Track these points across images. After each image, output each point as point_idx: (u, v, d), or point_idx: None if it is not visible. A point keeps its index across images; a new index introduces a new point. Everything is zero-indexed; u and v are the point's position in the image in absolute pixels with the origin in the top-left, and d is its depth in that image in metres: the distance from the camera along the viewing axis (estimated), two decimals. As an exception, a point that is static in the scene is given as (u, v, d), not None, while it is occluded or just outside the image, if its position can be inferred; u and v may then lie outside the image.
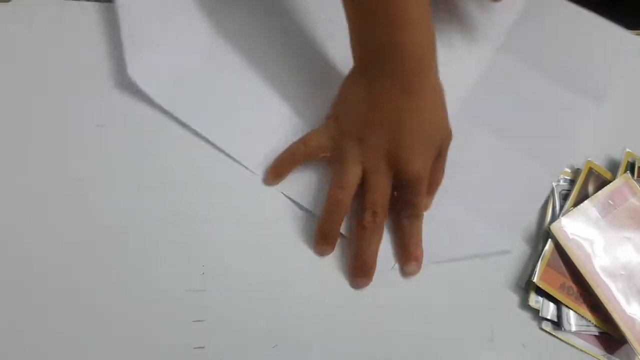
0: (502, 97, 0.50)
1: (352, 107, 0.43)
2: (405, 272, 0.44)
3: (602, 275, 0.45)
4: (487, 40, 0.53)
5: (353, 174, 0.43)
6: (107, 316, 0.40)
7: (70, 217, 0.43)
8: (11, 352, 0.39)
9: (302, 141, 0.45)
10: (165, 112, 0.46)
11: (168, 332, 0.40)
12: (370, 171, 0.43)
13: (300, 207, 0.45)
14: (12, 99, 0.45)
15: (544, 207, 0.47)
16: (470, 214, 0.45)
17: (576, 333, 0.44)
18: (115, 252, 0.42)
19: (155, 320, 0.41)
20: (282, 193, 0.45)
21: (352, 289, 0.43)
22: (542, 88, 0.51)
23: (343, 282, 0.43)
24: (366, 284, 0.43)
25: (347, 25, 0.43)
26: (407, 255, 0.44)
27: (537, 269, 0.44)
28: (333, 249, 0.44)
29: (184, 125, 0.46)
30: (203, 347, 0.40)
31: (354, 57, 0.44)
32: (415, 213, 0.44)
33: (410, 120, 0.42)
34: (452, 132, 0.44)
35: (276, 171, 0.45)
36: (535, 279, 0.44)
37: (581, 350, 0.44)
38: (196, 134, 0.46)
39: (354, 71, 0.44)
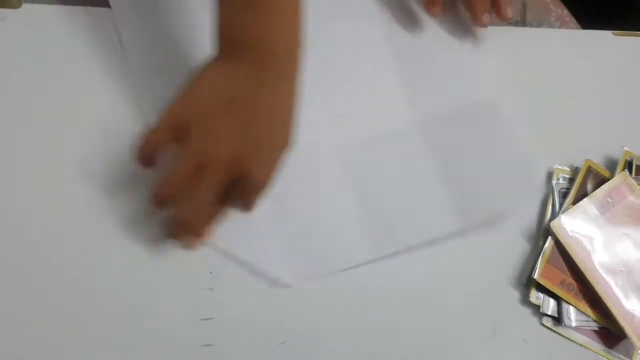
0: (391, 161, 0.48)
1: (207, 96, 0.40)
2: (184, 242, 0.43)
3: (601, 271, 0.46)
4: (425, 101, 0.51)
5: (189, 169, 0.40)
6: (116, 314, 0.41)
7: (78, 217, 0.44)
8: (15, 347, 0.40)
9: (147, 133, 0.40)
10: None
11: (177, 330, 0.41)
12: (210, 170, 0.40)
13: None
14: (20, 102, 0.46)
15: (544, 205, 0.48)
16: (285, 234, 0.45)
17: (576, 328, 0.45)
18: (123, 251, 0.43)
19: (164, 319, 0.42)
20: None
21: (357, 286, 0.44)
22: (427, 181, 0.48)
23: (349, 279, 0.44)
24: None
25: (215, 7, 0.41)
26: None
27: (538, 266, 0.45)
28: None
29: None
30: (211, 345, 0.41)
31: (219, 44, 0.41)
32: (235, 207, 0.43)
33: (264, 122, 0.40)
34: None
35: (141, 165, 0.42)
36: (535, 276, 0.45)
37: (581, 345, 0.45)
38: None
39: (215, 58, 0.41)
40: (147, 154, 0.41)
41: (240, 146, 0.40)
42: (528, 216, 0.48)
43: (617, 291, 0.45)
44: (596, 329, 0.45)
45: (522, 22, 0.56)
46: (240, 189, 0.41)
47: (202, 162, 0.40)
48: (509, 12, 0.52)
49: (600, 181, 0.49)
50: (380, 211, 0.46)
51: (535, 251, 0.46)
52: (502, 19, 0.53)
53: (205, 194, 0.40)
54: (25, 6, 0.49)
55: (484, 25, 0.53)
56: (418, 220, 0.46)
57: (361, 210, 0.46)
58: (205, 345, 0.41)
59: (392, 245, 0.45)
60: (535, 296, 0.45)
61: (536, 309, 0.45)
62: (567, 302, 0.45)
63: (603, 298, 0.45)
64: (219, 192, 0.41)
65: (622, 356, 0.45)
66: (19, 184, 0.44)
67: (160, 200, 0.40)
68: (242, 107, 0.40)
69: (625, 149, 0.50)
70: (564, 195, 0.49)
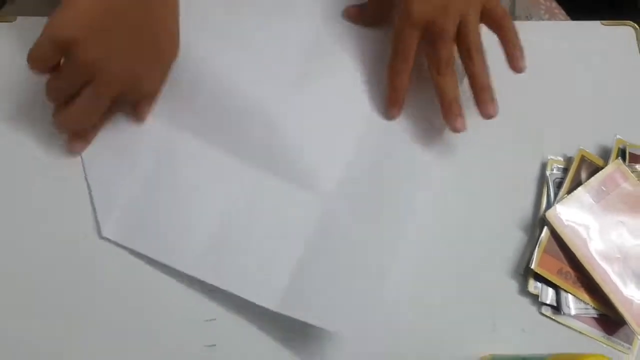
0: None
1: (89, 11, 0.40)
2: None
3: (598, 259, 0.46)
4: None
5: (75, 81, 0.41)
6: (119, 316, 0.42)
7: (80, 218, 0.44)
8: (19, 344, 0.41)
9: (30, 51, 0.41)
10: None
11: (180, 331, 0.42)
12: (99, 84, 0.41)
13: None
14: (18, 114, 0.47)
15: (539, 196, 0.49)
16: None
17: (576, 316, 0.45)
18: (126, 253, 0.44)
19: (167, 320, 0.42)
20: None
21: (360, 281, 0.44)
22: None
23: (353, 272, 0.45)
24: None
25: None
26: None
27: (535, 256, 0.46)
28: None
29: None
30: (214, 345, 0.42)
31: None
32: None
33: (149, 37, 0.42)
34: None
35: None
36: (533, 266, 0.45)
37: (581, 332, 0.45)
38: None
39: None
40: (39, 71, 0.42)
41: (129, 63, 0.42)
42: (523, 207, 0.48)
43: (615, 278, 0.46)
44: (595, 316, 0.46)
45: (512, 16, 0.57)
46: (130, 100, 0.45)
47: (89, 75, 0.41)
48: (493, 109, 0.46)
49: (594, 170, 0.49)
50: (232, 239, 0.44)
51: (532, 241, 0.47)
52: (485, 117, 0.47)
53: (94, 105, 0.42)
54: (20, 19, 0.50)
55: (459, 131, 0.47)
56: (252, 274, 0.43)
57: (220, 223, 0.44)
58: (208, 345, 0.42)
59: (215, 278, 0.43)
60: (534, 286, 0.46)
61: (535, 298, 0.45)
62: (565, 290, 0.46)
63: (601, 285, 0.45)
64: (106, 104, 0.43)
65: (622, 342, 0.45)
66: (22, 188, 0.45)
67: (49, 100, 0.43)
68: (126, 23, 0.41)
69: (618, 137, 0.51)
70: (558, 185, 0.49)
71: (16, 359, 0.41)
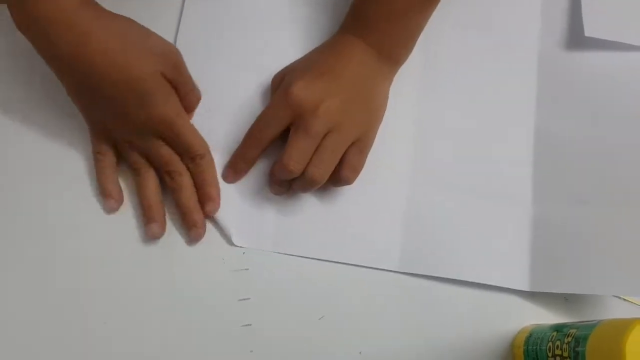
0: None
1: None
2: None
3: None
4: None
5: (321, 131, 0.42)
6: (156, 300, 0.42)
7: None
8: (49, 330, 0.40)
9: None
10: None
11: (216, 313, 0.42)
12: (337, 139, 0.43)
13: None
14: (45, 91, 0.46)
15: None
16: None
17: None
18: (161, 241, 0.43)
19: (201, 302, 0.42)
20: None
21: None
22: None
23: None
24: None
25: None
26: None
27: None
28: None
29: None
30: (250, 325, 0.41)
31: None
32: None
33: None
34: None
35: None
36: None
37: (625, 299, 0.44)
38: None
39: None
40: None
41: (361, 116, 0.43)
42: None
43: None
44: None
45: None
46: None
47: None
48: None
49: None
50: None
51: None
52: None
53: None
54: None
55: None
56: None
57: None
58: (244, 325, 0.41)
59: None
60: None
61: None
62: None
63: None
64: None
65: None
66: (50, 172, 0.44)
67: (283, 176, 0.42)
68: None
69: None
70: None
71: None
